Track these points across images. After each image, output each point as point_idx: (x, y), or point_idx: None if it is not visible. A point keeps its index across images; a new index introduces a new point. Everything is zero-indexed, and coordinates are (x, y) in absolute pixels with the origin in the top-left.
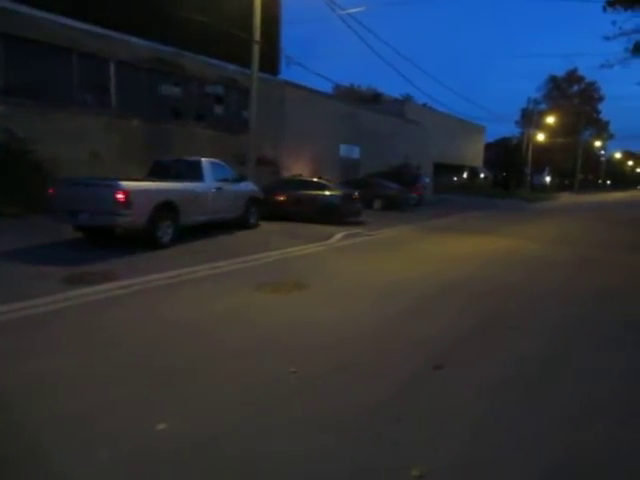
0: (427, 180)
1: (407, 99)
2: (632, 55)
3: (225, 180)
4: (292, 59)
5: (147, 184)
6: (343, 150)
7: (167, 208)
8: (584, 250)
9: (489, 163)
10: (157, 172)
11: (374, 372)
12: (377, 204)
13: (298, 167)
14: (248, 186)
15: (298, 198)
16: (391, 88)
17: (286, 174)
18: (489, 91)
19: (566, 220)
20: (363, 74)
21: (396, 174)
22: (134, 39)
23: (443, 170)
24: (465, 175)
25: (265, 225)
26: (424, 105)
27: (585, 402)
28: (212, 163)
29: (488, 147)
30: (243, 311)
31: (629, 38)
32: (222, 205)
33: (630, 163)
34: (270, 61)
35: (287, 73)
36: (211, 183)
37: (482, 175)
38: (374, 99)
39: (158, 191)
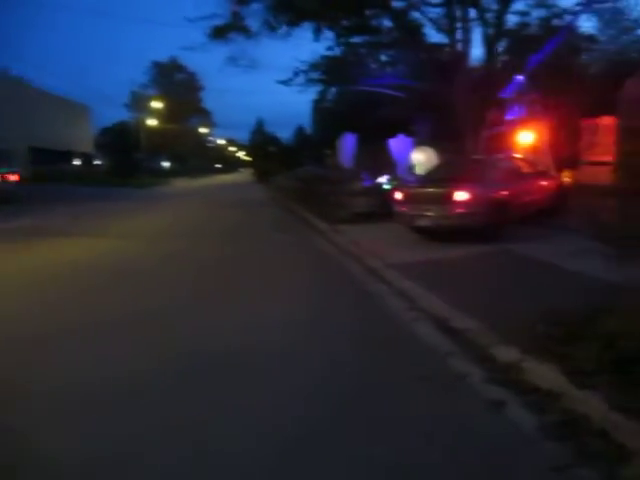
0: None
1: None
2: (210, 40)
3: None
4: None
5: None
6: None
7: None
8: (169, 245)
9: (106, 149)
10: None
11: None
12: None
13: None
14: None
15: None
16: None
17: None
18: (100, 71)
19: (172, 207)
20: None
21: None
22: None
23: (47, 156)
24: (77, 162)
25: None
26: (17, 79)
27: None
28: None
29: (105, 132)
30: None
31: (209, 23)
32: None
33: (232, 149)
34: None
35: None
36: None
37: (97, 162)
38: None
39: None
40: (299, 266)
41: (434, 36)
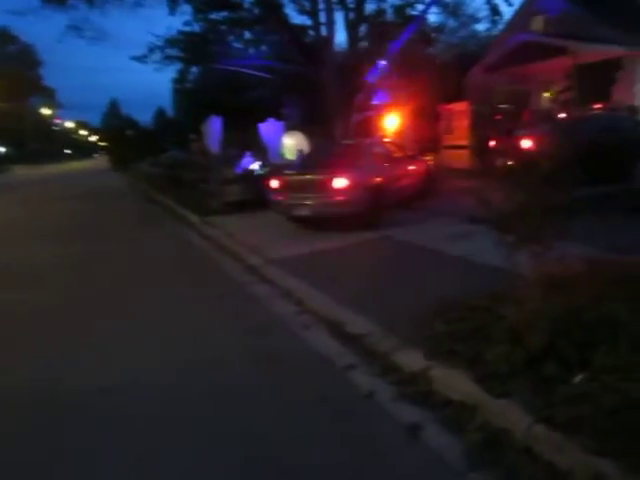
0: None
1: None
2: (44, 4)
3: None
4: None
5: None
6: None
7: None
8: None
9: None
10: None
11: None
12: None
13: None
14: None
15: None
16: None
17: None
18: None
19: (13, 200)
20: None
21: None
22: None
23: None
24: None
25: None
26: None
27: None
28: None
29: None
30: None
31: None
32: None
33: (84, 132)
34: None
35: None
36: None
37: None
38: None
39: None
40: (167, 268)
41: (298, 18)
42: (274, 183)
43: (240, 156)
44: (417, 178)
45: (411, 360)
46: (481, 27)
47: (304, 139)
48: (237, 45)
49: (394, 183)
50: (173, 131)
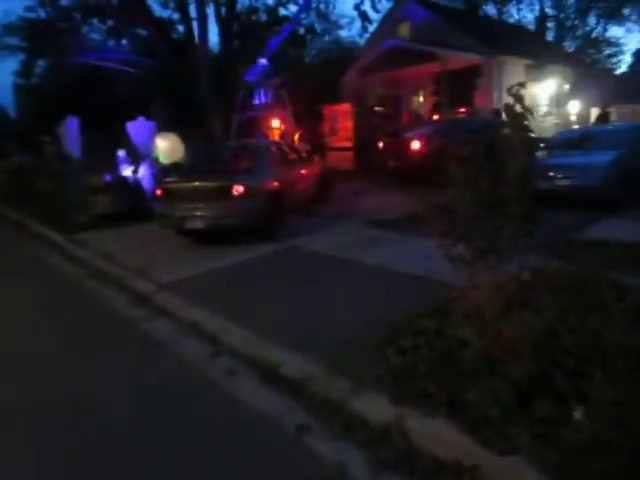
0: None
1: None
2: None
3: None
4: None
5: None
6: None
7: None
8: None
9: None
10: None
11: None
12: None
13: None
14: None
15: None
16: None
17: None
18: None
19: None
20: None
21: None
22: None
23: None
24: None
25: None
26: None
27: None
28: None
29: None
30: None
31: None
32: None
33: None
34: None
35: None
36: None
37: None
38: None
39: None
40: (25, 309)
41: (165, 10)
42: (159, 192)
43: (124, 160)
44: (313, 181)
45: (376, 409)
46: (345, 33)
47: (179, 141)
48: (95, 36)
49: (293, 187)
50: (17, 133)
